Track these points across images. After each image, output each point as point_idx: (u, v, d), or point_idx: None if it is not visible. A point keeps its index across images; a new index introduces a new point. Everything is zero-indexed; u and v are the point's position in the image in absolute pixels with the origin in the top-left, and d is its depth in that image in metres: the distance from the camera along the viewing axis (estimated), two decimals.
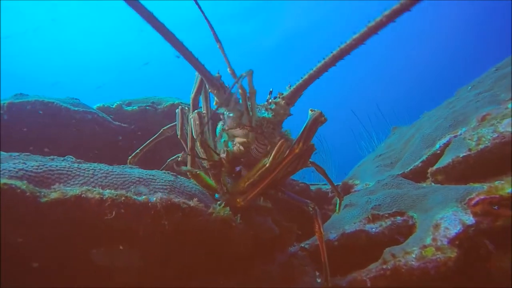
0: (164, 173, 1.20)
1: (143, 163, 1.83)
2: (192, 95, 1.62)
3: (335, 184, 2.76)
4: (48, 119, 2.25)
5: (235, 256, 1.39)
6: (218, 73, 1.27)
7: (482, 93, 2.32)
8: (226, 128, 1.36)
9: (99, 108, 2.69)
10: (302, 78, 1.13)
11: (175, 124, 1.70)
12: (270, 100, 1.39)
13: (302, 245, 1.82)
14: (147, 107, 2.82)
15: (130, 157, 2.01)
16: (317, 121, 1.34)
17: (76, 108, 2.36)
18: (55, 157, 1.26)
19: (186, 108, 1.73)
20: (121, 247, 0.95)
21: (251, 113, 1.29)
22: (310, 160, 1.55)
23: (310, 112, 1.38)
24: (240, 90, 1.27)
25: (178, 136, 1.67)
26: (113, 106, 2.78)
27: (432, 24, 21.55)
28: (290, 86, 1.25)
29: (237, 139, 1.33)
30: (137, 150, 2.03)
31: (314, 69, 1.07)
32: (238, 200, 1.33)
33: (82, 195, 0.88)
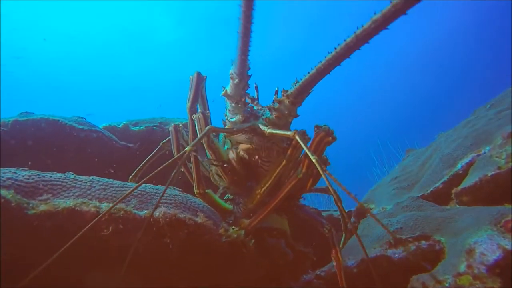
0: (169, 187, 1.09)
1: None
2: (188, 104, 1.43)
3: (348, 211, 2.60)
4: (52, 137, 2.19)
5: (244, 283, 1.26)
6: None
7: (503, 111, 2.21)
8: (229, 134, 1.24)
9: (105, 128, 2.63)
10: (309, 72, 0.97)
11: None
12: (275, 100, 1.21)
13: (318, 273, 1.66)
14: (154, 127, 2.76)
15: (130, 177, 1.84)
16: (323, 141, 1.12)
17: (81, 127, 2.31)
18: (55, 172, 1.17)
19: (180, 125, 1.60)
20: (118, 268, 0.84)
21: (257, 121, 1.17)
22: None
23: (315, 129, 1.18)
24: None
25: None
26: (120, 126, 2.72)
27: (432, 32, 21.12)
28: (297, 82, 1.07)
29: (241, 146, 1.21)
30: (137, 168, 1.86)
31: (324, 61, 0.91)
32: (242, 225, 1.18)
33: (76, 208, 0.78)
